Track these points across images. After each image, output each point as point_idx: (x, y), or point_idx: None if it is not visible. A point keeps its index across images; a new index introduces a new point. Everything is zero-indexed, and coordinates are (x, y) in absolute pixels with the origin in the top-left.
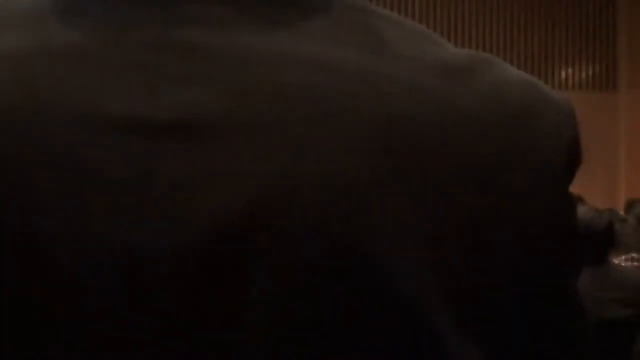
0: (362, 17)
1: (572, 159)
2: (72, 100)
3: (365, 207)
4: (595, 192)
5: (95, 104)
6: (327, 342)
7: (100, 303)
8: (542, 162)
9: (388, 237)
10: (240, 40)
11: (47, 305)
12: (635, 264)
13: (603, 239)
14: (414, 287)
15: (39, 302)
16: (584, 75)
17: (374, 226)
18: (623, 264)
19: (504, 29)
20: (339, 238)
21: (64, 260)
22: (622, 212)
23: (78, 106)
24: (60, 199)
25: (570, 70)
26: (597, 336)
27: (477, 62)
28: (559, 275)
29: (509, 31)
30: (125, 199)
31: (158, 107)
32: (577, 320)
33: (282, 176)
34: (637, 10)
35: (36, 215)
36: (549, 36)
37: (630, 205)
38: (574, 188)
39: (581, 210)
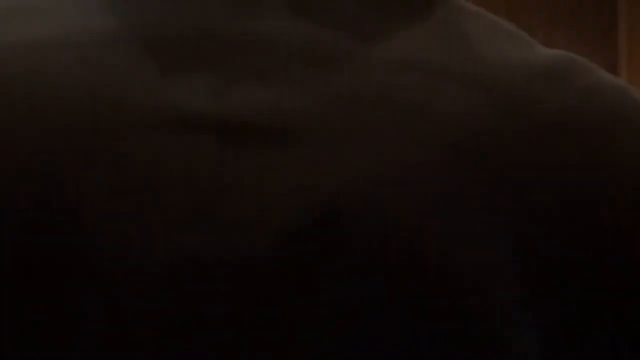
0: (457, 17)
1: None
2: (132, 95)
3: (443, 217)
4: None
5: (160, 99)
6: (397, 348)
7: (161, 309)
8: (636, 177)
9: (464, 248)
10: (322, 36)
11: (105, 309)
12: None
13: None
14: (489, 300)
15: (95, 306)
16: None
17: (451, 237)
18: None
19: None
20: (413, 248)
21: (119, 266)
22: None
23: (139, 101)
24: (116, 200)
25: None
26: None
27: (569, 65)
28: None
29: None
30: (190, 202)
31: (229, 106)
32: None
33: (359, 184)
34: (637, 11)
35: (89, 216)
36: (548, 37)
37: None
38: None
39: None
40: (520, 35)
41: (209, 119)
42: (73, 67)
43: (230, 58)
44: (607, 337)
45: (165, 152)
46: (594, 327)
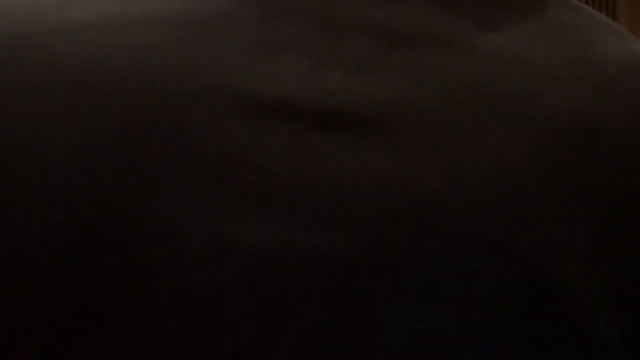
0: (569, 14)
1: None
2: (207, 75)
3: (528, 217)
4: None
5: (237, 82)
6: (484, 344)
7: (225, 305)
8: None
9: (552, 246)
10: (433, 24)
11: (175, 300)
12: None
13: None
14: (577, 297)
15: (165, 297)
16: None
17: (538, 236)
18: None
19: None
20: (501, 245)
21: (181, 262)
22: None
23: (225, 85)
24: (184, 185)
25: None
26: None
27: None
28: None
29: None
30: (265, 193)
31: (316, 92)
32: None
33: (443, 178)
34: (637, 12)
35: (164, 208)
36: None
37: None
38: None
39: None
40: (623, 31)
41: (291, 105)
42: (153, 47)
43: (327, 42)
44: None
45: (249, 140)
46: None
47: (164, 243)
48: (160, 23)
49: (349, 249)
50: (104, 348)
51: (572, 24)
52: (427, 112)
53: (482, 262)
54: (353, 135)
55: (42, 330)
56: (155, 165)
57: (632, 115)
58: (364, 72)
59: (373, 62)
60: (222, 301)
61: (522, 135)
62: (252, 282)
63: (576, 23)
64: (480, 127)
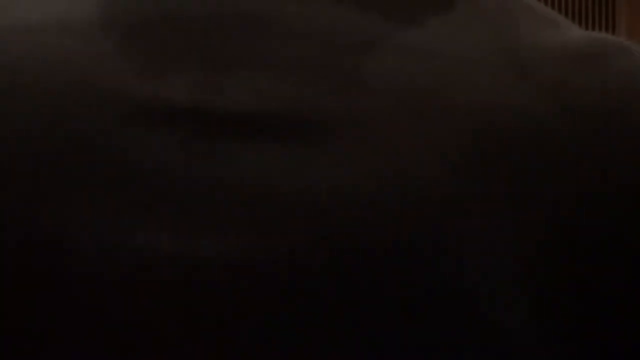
0: (492, 1)
1: None
2: (106, 83)
3: (451, 222)
4: None
5: (148, 91)
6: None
7: (108, 310)
8: None
9: (474, 249)
10: (343, 21)
11: (73, 311)
12: None
13: None
14: (496, 307)
15: (66, 308)
16: None
17: (459, 241)
18: None
19: None
20: (421, 248)
21: (85, 272)
22: None
23: (126, 93)
24: (88, 194)
25: None
26: None
27: (605, 48)
28: None
29: None
30: (161, 200)
31: (224, 96)
32: None
33: (370, 184)
34: (637, 11)
35: (61, 210)
36: None
37: None
38: None
39: None
40: (555, 17)
41: (196, 110)
42: (60, 54)
43: (228, 44)
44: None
45: (150, 148)
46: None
47: (61, 251)
48: (64, 30)
49: (238, 252)
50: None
51: (494, 12)
52: (344, 114)
53: (401, 266)
54: (263, 139)
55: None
56: (55, 174)
57: (555, 105)
58: (277, 74)
59: (287, 64)
60: (105, 308)
61: (442, 135)
62: (134, 289)
63: (499, 11)
64: (399, 127)
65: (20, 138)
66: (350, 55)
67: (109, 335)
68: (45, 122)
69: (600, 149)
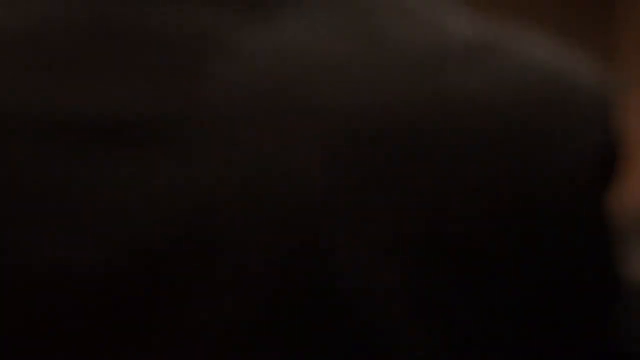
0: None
1: (602, 171)
2: (10, 99)
3: (320, 221)
4: None
5: (37, 103)
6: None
7: (15, 322)
8: (557, 177)
9: (343, 248)
10: (193, 24)
11: None
12: None
13: None
14: (372, 300)
15: None
16: None
17: (328, 245)
18: None
19: None
20: (286, 253)
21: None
22: None
23: (17, 106)
24: None
25: None
26: None
27: (486, 45)
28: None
29: None
30: (37, 212)
31: (83, 105)
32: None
33: (232, 189)
34: (636, 9)
35: None
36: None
37: None
38: None
39: None
40: (437, 9)
41: (59, 121)
42: None
43: (84, 53)
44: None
45: (36, 160)
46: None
47: None
48: None
49: (113, 266)
50: None
51: (369, 10)
52: (212, 121)
53: (265, 268)
54: (135, 146)
55: None
56: None
57: (427, 104)
58: (131, 82)
59: (142, 71)
60: (3, 319)
61: (305, 135)
62: (26, 303)
63: (374, 8)
64: (259, 129)
65: None
66: (205, 59)
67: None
68: None
69: (468, 146)
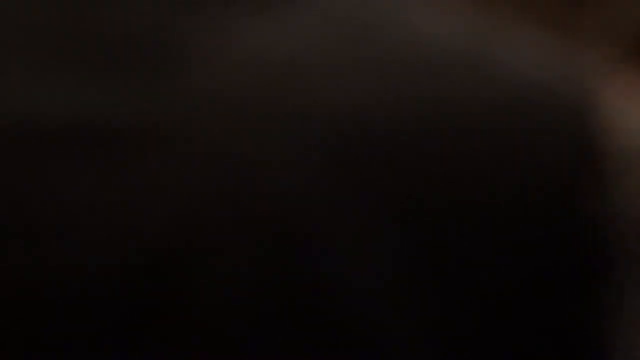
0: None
1: (579, 176)
2: None
3: (305, 221)
4: None
5: (10, 107)
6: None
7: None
8: (527, 184)
9: (332, 247)
10: (170, 27)
11: None
12: None
13: None
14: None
15: None
16: None
17: (314, 244)
18: None
19: None
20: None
21: None
22: None
23: None
24: None
25: None
26: None
27: (467, 48)
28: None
29: None
30: (25, 223)
31: (42, 109)
32: None
33: (209, 189)
34: None
35: None
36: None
37: None
38: None
39: None
40: (424, 12)
41: (18, 125)
42: None
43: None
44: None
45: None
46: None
47: None
48: None
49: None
50: None
51: (357, 12)
52: (193, 124)
53: (255, 270)
54: (82, 154)
55: None
56: None
57: (412, 106)
58: (110, 87)
59: (102, 74)
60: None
61: (296, 145)
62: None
63: (361, 11)
64: (248, 135)
65: None
66: (173, 63)
67: None
68: None
69: (446, 146)
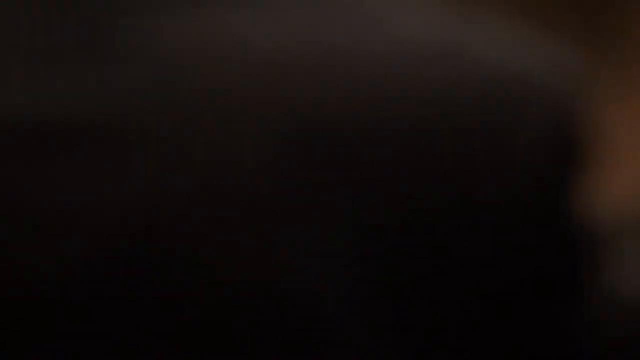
0: None
1: (556, 168)
2: None
3: (269, 215)
4: None
5: None
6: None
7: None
8: (503, 170)
9: (293, 247)
10: (126, 17)
11: None
12: None
13: None
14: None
15: None
16: None
17: (277, 240)
18: None
19: None
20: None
21: None
22: None
23: None
24: None
25: None
26: None
27: (443, 40)
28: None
29: None
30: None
31: (7, 106)
32: None
33: (153, 196)
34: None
35: None
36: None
37: None
38: None
39: None
40: (399, 6)
41: (17, 126)
42: None
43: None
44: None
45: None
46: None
47: None
48: None
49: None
50: None
51: (328, 5)
52: (155, 118)
53: (216, 270)
54: (49, 152)
55: None
56: None
57: (379, 98)
58: (60, 80)
59: (75, 74)
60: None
61: (253, 136)
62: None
63: (332, 4)
64: (213, 127)
65: None
66: (142, 62)
67: None
68: None
69: (413, 137)
